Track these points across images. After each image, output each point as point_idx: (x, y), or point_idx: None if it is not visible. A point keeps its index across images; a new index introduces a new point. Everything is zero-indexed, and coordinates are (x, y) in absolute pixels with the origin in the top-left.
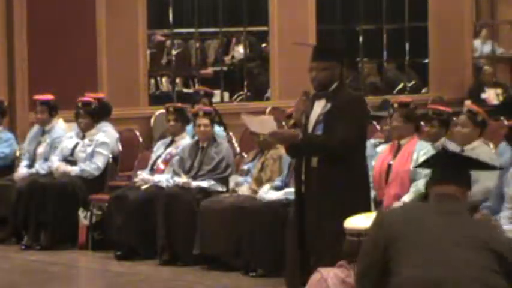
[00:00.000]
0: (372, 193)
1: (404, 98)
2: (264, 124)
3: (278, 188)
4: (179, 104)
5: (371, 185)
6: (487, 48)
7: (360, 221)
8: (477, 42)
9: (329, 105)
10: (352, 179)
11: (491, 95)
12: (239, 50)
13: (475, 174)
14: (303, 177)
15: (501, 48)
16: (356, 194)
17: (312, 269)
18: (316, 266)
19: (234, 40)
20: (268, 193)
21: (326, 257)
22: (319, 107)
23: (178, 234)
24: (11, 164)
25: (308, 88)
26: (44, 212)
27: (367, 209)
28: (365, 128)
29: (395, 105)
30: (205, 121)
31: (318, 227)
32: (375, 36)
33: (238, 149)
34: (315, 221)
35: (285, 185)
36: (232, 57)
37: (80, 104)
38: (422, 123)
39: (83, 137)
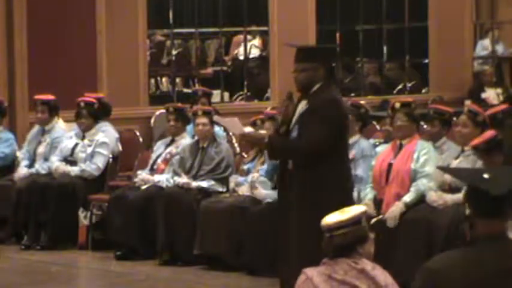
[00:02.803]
0: (372, 193)
1: (406, 98)
2: (234, 125)
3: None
4: (179, 104)
5: (370, 184)
6: (499, 49)
7: (332, 217)
8: (486, 42)
9: (306, 106)
10: (329, 181)
11: (491, 95)
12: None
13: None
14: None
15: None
16: (333, 195)
17: (291, 270)
18: (294, 268)
19: (242, 37)
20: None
21: (300, 257)
22: (301, 107)
23: (178, 234)
24: (11, 164)
25: None
26: (44, 212)
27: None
28: (340, 129)
29: (397, 105)
30: (204, 120)
31: (295, 229)
32: (375, 36)
33: (238, 149)
34: (293, 222)
35: None
36: (235, 55)
37: (82, 104)
38: (422, 123)
39: (83, 137)
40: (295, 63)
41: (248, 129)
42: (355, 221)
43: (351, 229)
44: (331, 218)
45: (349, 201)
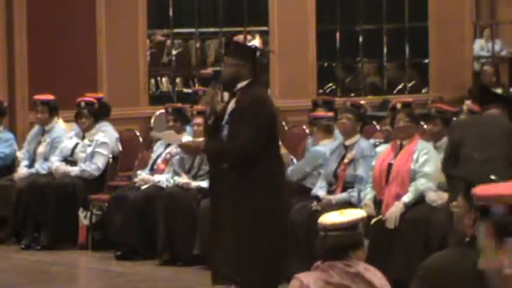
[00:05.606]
0: (372, 193)
1: (406, 98)
2: (170, 137)
3: None
4: (178, 104)
5: (370, 184)
6: (497, 47)
7: (330, 217)
8: (481, 42)
9: (234, 105)
10: (262, 180)
11: None
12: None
13: None
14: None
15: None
16: (265, 192)
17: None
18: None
19: (242, 37)
20: None
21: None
22: (231, 105)
23: (178, 234)
24: (11, 164)
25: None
26: (43, 212)
27: (279, 209)
28: (269, 128)
29: (399, 105)
30: (199, 120)
31: (228, 226)
32: (375, 36)
33: None
34: (227, 219)
35: None
36: None
37: (83, 104)
38: (422, 122)
39: (83, 137)
40: (224, 56)
41: (186, 138)
42: (352, 225)
43: (345, 233)
44: (328, 218)
45: (281, 198)
